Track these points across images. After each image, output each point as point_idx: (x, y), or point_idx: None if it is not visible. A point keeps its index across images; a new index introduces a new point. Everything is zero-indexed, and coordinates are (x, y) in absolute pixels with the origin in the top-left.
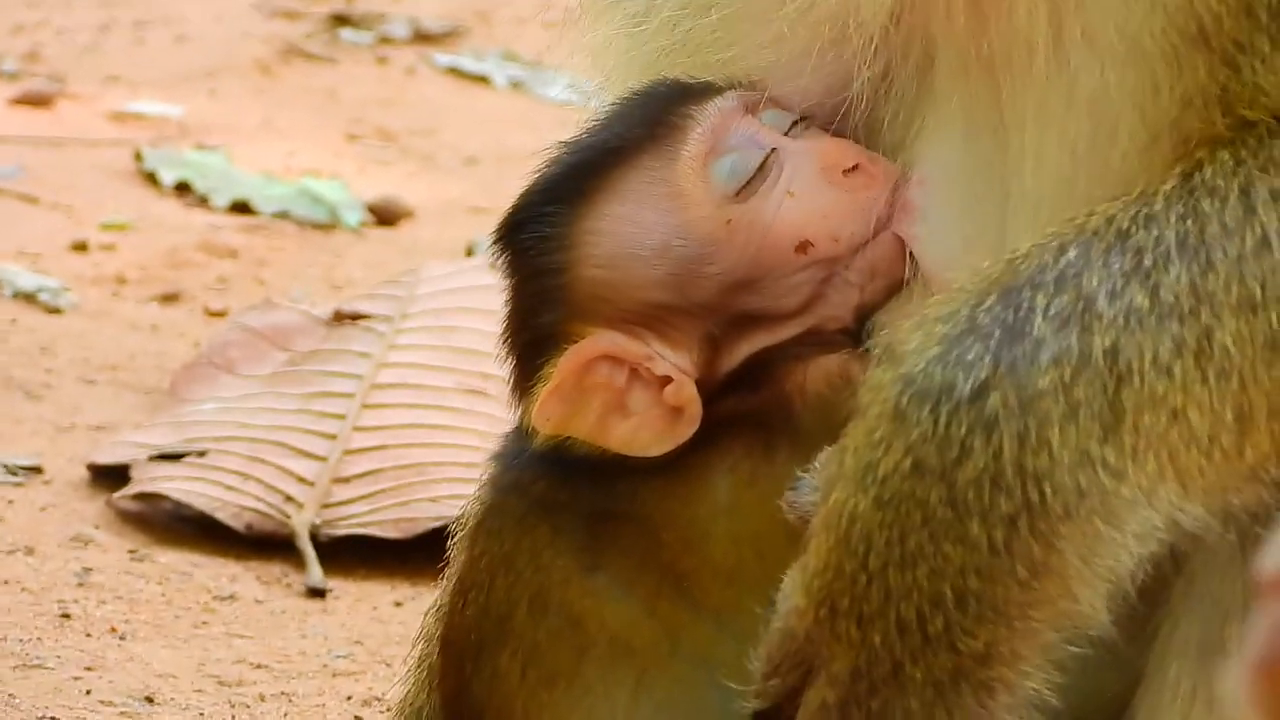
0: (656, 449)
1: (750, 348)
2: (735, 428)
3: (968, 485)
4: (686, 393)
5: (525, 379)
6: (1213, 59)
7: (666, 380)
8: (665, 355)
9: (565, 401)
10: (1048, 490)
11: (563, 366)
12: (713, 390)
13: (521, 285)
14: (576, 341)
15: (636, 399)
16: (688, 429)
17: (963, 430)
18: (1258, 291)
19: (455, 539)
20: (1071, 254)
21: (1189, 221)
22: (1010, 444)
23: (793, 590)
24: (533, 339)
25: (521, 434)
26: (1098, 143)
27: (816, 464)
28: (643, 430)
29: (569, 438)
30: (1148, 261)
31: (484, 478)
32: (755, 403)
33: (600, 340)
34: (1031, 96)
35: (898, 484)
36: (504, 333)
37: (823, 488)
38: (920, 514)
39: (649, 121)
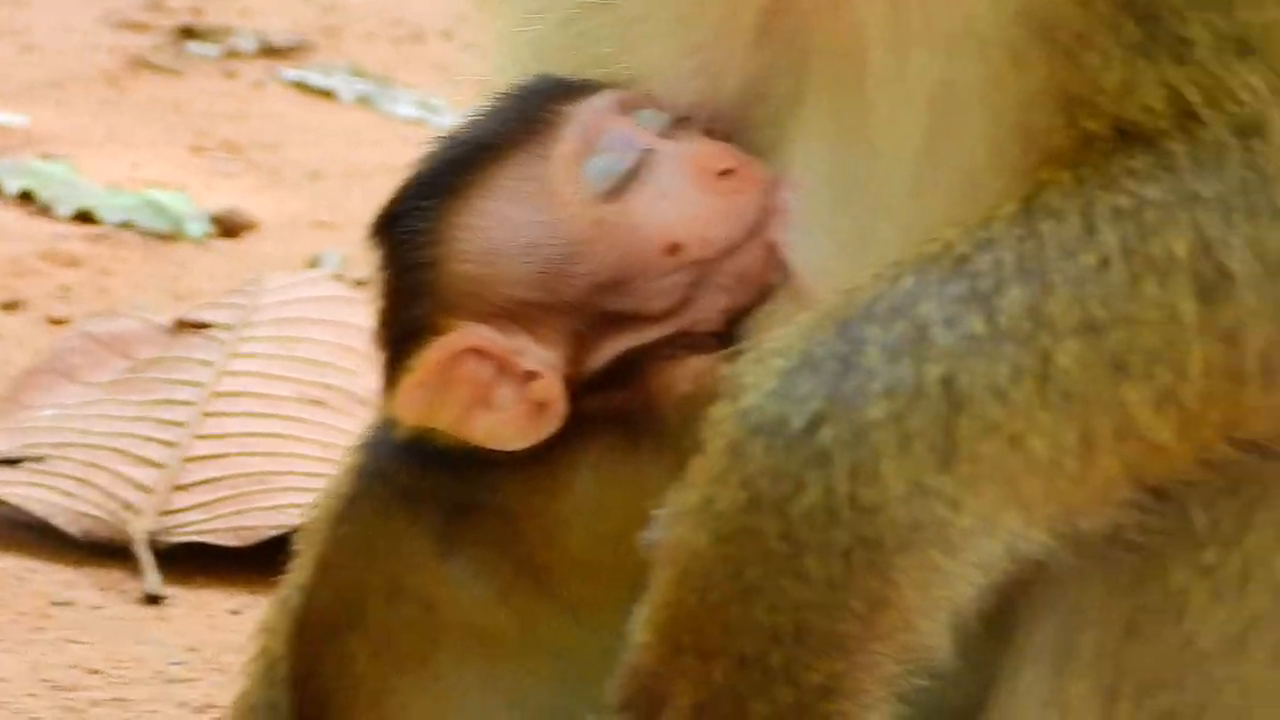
0: (519, 443)
1: (618, 347)
2: (600, 425)
3: (803, 519)
4: (552, 389)
5: (394, 370)
6: (1055, 53)
7: (533, 376)
8: (532, 351)
9: (430, 393)
10: (882, 523)
11: (429, 358)
12: (579, 387)
13: (393, 278)
14: (445, 335)
15: (502, 393)
16: (552, 425)
17: (796, 464)
18: (1099, 312)
19: (310, 527)
20: (908, 283)
21: (1028, 244)
22: (843, 477)
23: (640, 625)
24: (403, 331)
25: (387, 424)
26: (947, 142)
27: (668, 500)
28: (506, 424)
29: (432, 429)
30: (985, 286)
31: (346, 466)
32: (621, 401)
33: (468, 334)
34: (884, 94)
35: (735, 519)
36: (376, 324)
37: (667, 523)
38: (757, 549)
39: (524, 118)
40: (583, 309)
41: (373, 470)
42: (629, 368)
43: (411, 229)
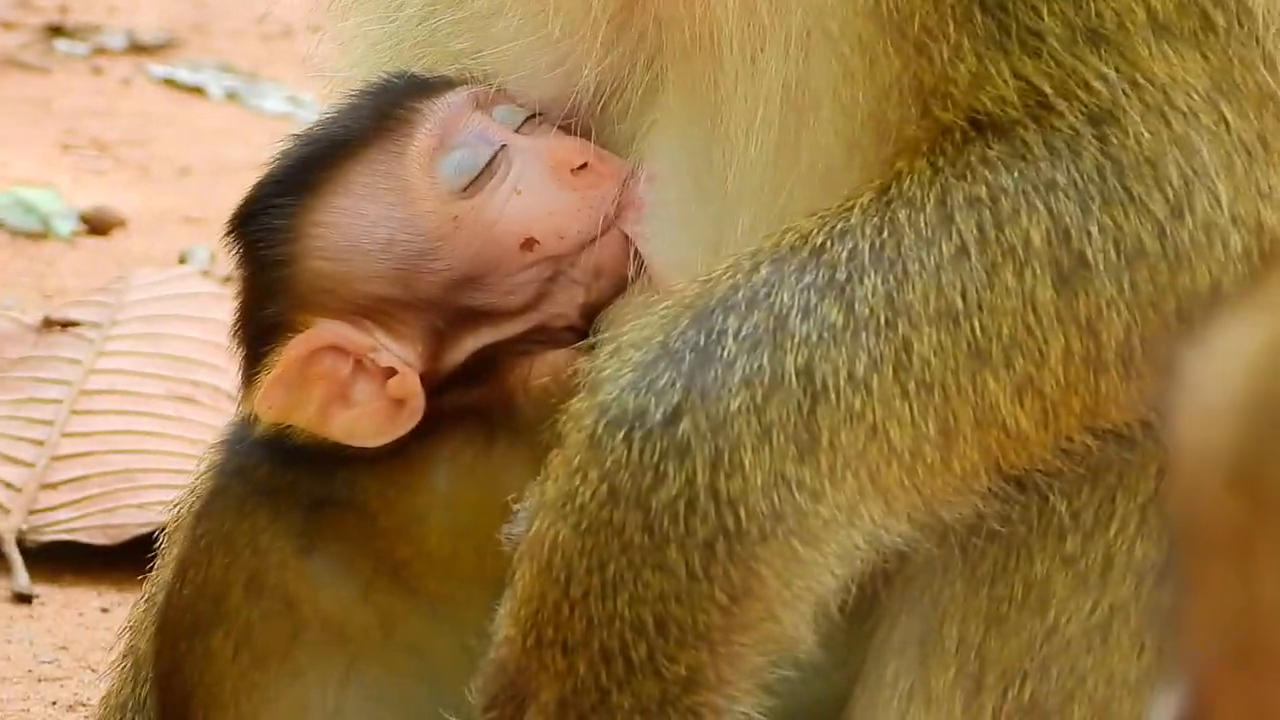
0: (377, 440)
1: (476, 343)
2: (457, 420)
3: (663, 511)
4: (409, 385)
5: (252, 367)
6: (906, 46)
7: (390, 372)
8: (390, 348)
9: (288, 390)
10: (742, 514)
11: (286, 355)
12: (437, 383)
13: (251, 276)
14: (302, 332)
15: (359, 390)
16: (409, 421)
17: (656, 456)
18: (957, 301)
19: (174, 524)
20: (764, 272)
21: (884, 233)
22: (703, 468)
23: (503, 620)
24: (261, 329)
25: (246, 421)
26: (801, 134)
27: (528, 495)
28: (364, 421)
29: (291, 425)
30: (841, 276)
31: (207, 463)
32: (479, 397)
33: (325, 331)
34: (738, 86)
35: (595, 511)
36: (234, 322)
37: (528, 517)
38: (618, 541)
39: (379, 115)
40: (440, 305)
41: (232, 467)
42: (486, 363)
43: (267, 227)
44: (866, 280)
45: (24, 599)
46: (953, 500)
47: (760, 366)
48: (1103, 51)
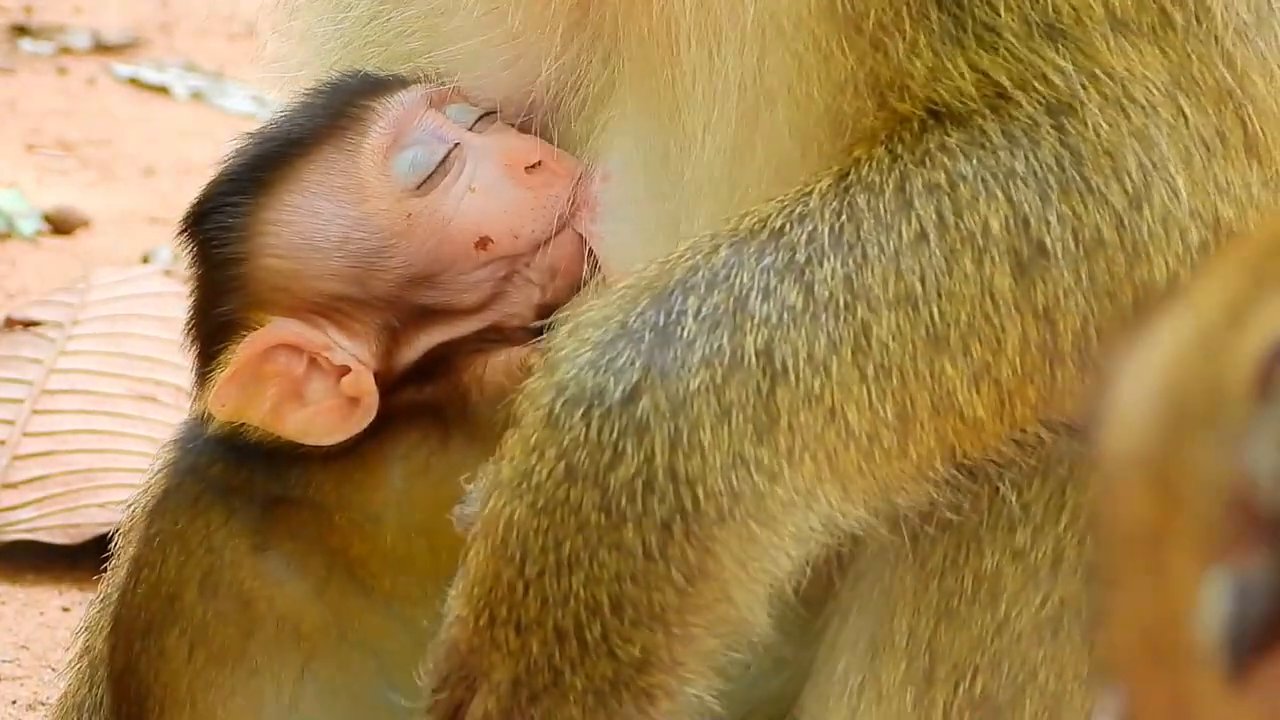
0: (332, 438)
1: (430, 341)
2: (412, 417)
3: (621, 490)
4: (364, 383)
5: (206, 366)
6: (861, 42)
7: (344, 370)
8: (344, 345)
9: (242, 388)
10: (700, 493)
11: (240, 354)
12: (391, 381)
13: (204, 274)
14: (256, 330)
15: (314, 388)
16: (364, 419)
17: (614, 435)
18: (916, 286)
19: (129, 523)
20: (724, 254)
21: (844, 217)
22: (662, 447)
23: (455, 599)
24: (215, 327)
25: (200, 419)
26: (757, 131)
27: (481, 475)
28: (318, 419)
29: (245, 423)
30: (801, 258)
31: (161, 461)
32: (434, 395)
33: (279, 329)
34: (695, 83)
35: (552, 490)
36: (188, 321)
37: (483, 496)
38: (575, 520)
39: (333, 114)
40: (394, 303)
41: (186, 465)
42: (441, 361)
43: (220, 225)
44: (826, 263)
45: None
46: (908, 487)
47: (720, 347)
48: (1060, 46)
